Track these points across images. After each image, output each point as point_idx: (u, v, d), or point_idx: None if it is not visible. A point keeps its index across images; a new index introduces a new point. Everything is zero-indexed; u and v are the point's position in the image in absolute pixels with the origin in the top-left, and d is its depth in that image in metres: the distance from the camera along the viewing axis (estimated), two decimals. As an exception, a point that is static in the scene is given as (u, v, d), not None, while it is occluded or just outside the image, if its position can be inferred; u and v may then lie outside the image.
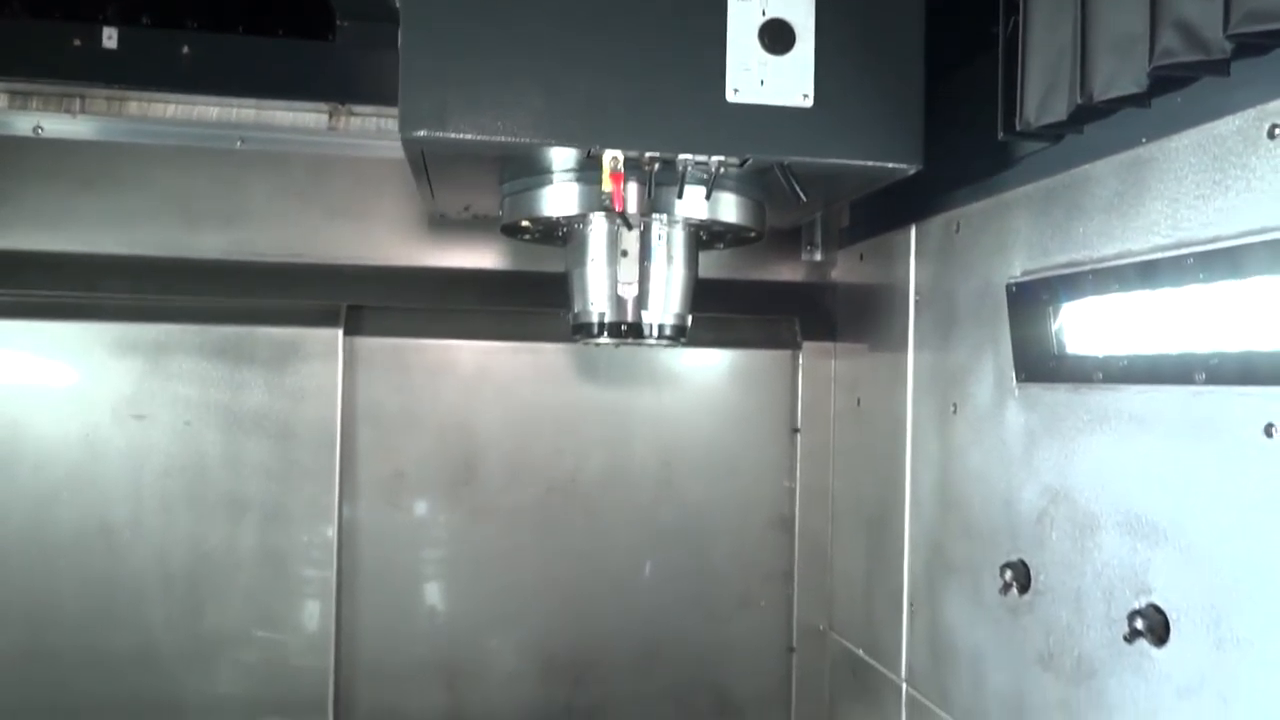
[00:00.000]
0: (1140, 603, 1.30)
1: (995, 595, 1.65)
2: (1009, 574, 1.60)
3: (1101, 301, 1.42)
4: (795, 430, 2.48)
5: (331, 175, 2.31)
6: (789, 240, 2.52)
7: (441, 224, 2.32)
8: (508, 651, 2.38)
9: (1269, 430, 1.12)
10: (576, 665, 2.40)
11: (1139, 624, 1.28)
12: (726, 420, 2.49)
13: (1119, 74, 1.27)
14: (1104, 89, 1.30)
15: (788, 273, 2.52)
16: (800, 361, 2.48)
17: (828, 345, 2.47)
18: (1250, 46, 1.12)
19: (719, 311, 2.34)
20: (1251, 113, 1.16)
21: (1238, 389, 1.16)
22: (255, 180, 2.30)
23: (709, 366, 2.51)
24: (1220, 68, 1.17)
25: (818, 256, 2.53)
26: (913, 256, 2.03)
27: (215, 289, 2.27)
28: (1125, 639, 1.30)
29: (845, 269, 2.43)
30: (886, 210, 2.13)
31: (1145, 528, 1.32)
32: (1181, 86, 1.26)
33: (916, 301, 2.01)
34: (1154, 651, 1.28)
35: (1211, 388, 1.20)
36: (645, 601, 2.43)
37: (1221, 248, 1.19)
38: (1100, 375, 1.41)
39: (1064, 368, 1.50)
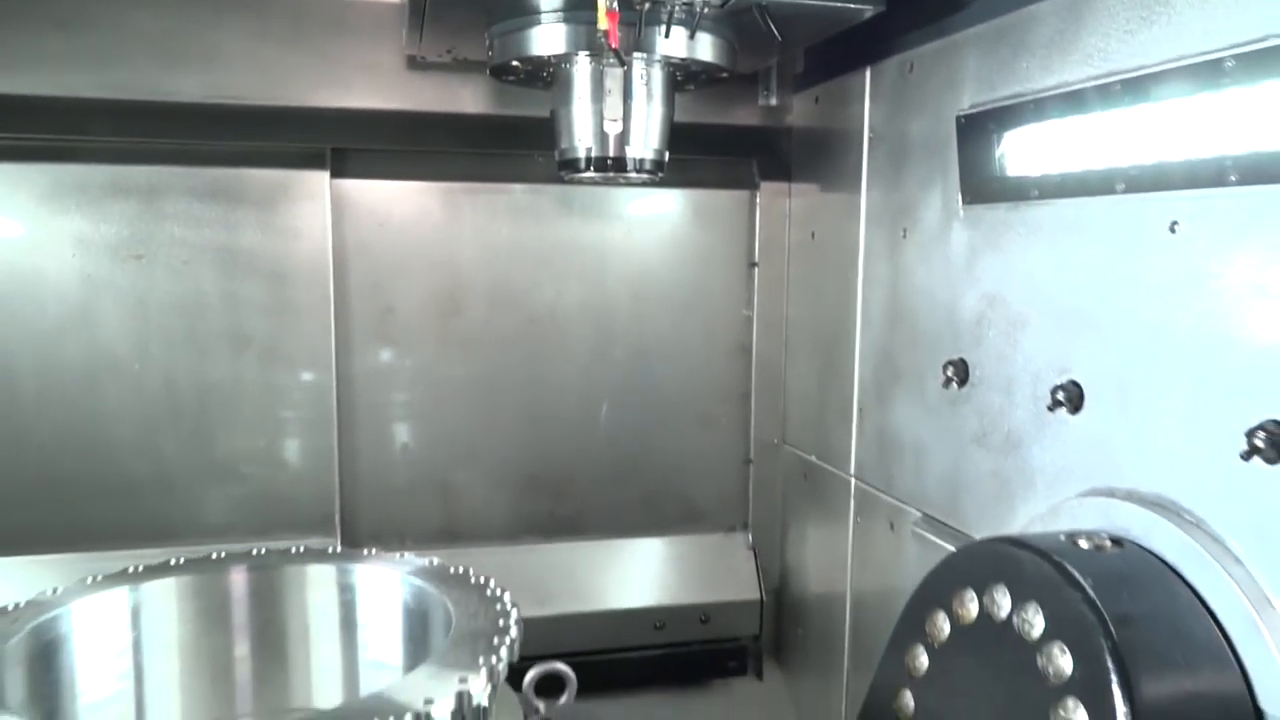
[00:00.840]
0: (1062, 379, 1.58)
1: (938, 391, 1.92)
2: (950, 370, 1.86)
3: (1040, 128, 1.64)
4: (753, 264, 2.70)
5: (311, 19, 2.36)
6: (747, 86, 2.67)
7: (421, 67, 2.41)
8: (495, 468, 2.62)
9: (1173, 227, 1.36)
10: (556, 479, 2.66)
11: (1060, 396, 1.56)
12: (690, 256, 2.69)
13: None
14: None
15: (746, 117, 2.68)
16: (758, 200, 2.68)
17: (783, 185, 2.67)
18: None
19: (683, 154, 2.48)
20: (1175, -44, 1.36)
21: (1150, 194, 1.40)
22: (233, 23, 2.34)
23: (673, 206, 2.69)
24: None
25: (773, 101, 2.69)
26: (867, 98, 2.21)
27: (198, 132, 2.34)
28: (1048, 409, 1.58)
29: (800, 113, 2.61)
30: (841, 55, 2.30)
31: (1069, 318, 1.58)
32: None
33: (870, 139, 2.21)
34: (1070, 418, 1.56)
35: (1129, 195, 1.44)
36: (617, 421, 2.68)
37: (1144, 74, 1.40)
38: (1036, 192, 1.64)
39: (1005, 188, 1.73)
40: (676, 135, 2.14)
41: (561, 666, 1.62)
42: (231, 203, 2.36)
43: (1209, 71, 1.30)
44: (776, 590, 2.76)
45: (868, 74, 2.20)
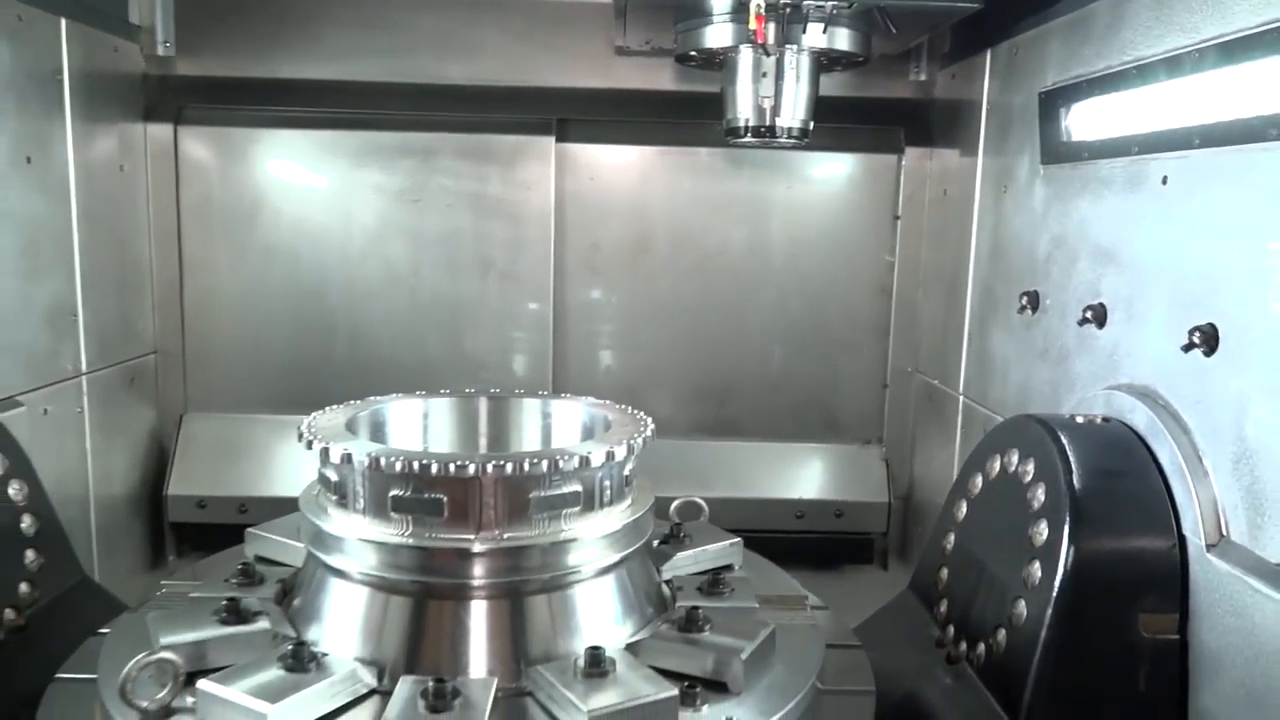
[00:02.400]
0: (1094, 301, 2.01)
1: (1017, 317, 2.36)
2: (1024, 299, 2.31)
3: (1090, 103, 2.06)
4: (896, 217, 3.17)
5: (543, 18, 3.05)
6: (900, 63, 3.13)
7: (625, 54, 3.05)
8: (673, 379, 3.25)
9: (1164, 180, 1.78)
10: (721, 389, 3.26)
11: (1088, 314, 2.00)
12: (841, 209, 3.20)
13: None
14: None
15: (895, 90, 3.14)
16: (903, 163, 3.14)
17: (925, 150, 3.11)
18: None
19: (840, 123, 3.01)
20: (1180, -30, 1.76)
21: (1150, 156, 1.82)
22: (487, 22, 3.07)
23: (829, 167, 3.20)
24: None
25: (922, 76, 3.13)
26: (987, 75, 2.64)
27: (460, 107, 3.10)
28: (1078, 324, 2.01)
29: (942, 87, 3.05)
30: (973, 37, 2.72)
31: (1101, 255, 2.00)
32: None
33: (987, 111, 2.64)
34: (1098, 332, 2.00)
35: (1138, 157, 1.85)
36: (773, 345, 3.25)
37: (1157, 60, 1.81)
38: (1086, 154, 2.06)
39: (1068, 151, 2.16)
40: (836, 106, 2.66)
41: (697, 498, 2.23)
42: (482, 161, 3.11)
43: (1194, 61, 1.70)
44: (904, 496, 3.24)
45: (989, 55, 2.63)
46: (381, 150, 3.12)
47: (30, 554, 1.96)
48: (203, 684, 1.39)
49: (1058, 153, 2.20)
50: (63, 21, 2.55)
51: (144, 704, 1.41)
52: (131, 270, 2.99)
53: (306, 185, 3.16)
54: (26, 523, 1.98)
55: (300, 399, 3.15)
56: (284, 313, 3.18)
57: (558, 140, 3.11)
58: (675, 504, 2.19)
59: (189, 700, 1.43)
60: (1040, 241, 2.28)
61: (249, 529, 2.00)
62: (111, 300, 2.83)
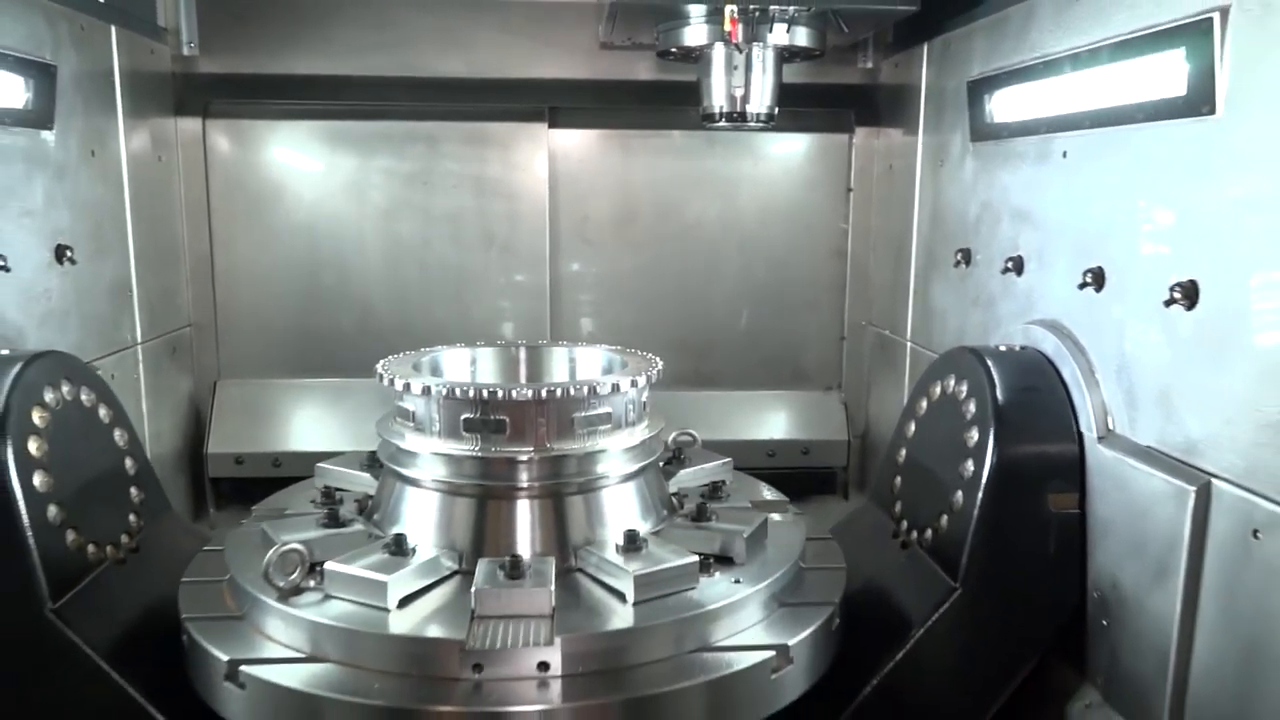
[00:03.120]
0: (1014, 254, 2.45)
1: (953, 271, 2.81)
2: (959, 255, 2.75)
3: (1006, 91, 2.49)
4: (849, 190, 3.60)
5: (536, 16, 3.41)
6: (849, 53, 3.54)
7: (610, 48, 3.41)
8: (656, 336, 3.64)
9: (1064, 154, 2.22)
10: (700, 344, 3.68)
11: (1009, 264, 2.44)
12: (802, 183, 3.63)
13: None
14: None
15: (847, 77, 3.56)
16: (854, 141, 3.57)
17: (874, 130, 3.54)
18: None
19: (798, 106, 3.42)
20: (1074, -16, 2.19)
21: (1054, 135, 2.26)
22: (484, 20, 3.43)
23: (790, 146, 3.62)
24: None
25: (869, 65, 3.55)
26: (924, 65, 3.07)
27: (462, 97, 3.45)
28: (1001, 273, 2.46)
29: (886, 74, 3.47)
30: (911, 32, 3.15)
31: (1018, 216, 2.45)
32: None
33: (925, 96, 3.07)
34: (1017, 279, 2.44)
35: (1045, 135, 2.29)
36: (744, 304, 3.67)
37: (1065, 54, 2.25)
38: (1006, 134, 2.50)
39: (991, 131, 2.59)
40: (794, 92, 3.07)
41: (691, 431, 2.64)
42: (482, 146, 3.48)
43: (1086, 57, 2.14)
44: (861, 435, 3.70)
45: (925, 48, 3.06)
46: (391, 138, 3.47)
47: (134, 490, 2.32)
48: (330, 564, 1.79)
49: (983, 132, 2.64)
50: (113, 29, 2.87)
51: (281, 584, 1.79)
52: (169, 251, 3.31)
53: (323, 171, 3.50)
54: (129, 464, 2.33)
55: (321, 363, 3.54)
56: (305, 286, 3.53)
57: (550, 126, 3.48)
58: (673, 435, 2.61)
59: (310, 582, 1.82)
60: (971, 207, 2.72)
61: (318, 464, 2.38)
62: (156, 278, 3.16)
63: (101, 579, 2.04)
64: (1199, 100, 1.75)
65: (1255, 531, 1.62)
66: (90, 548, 2.05)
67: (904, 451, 2.47)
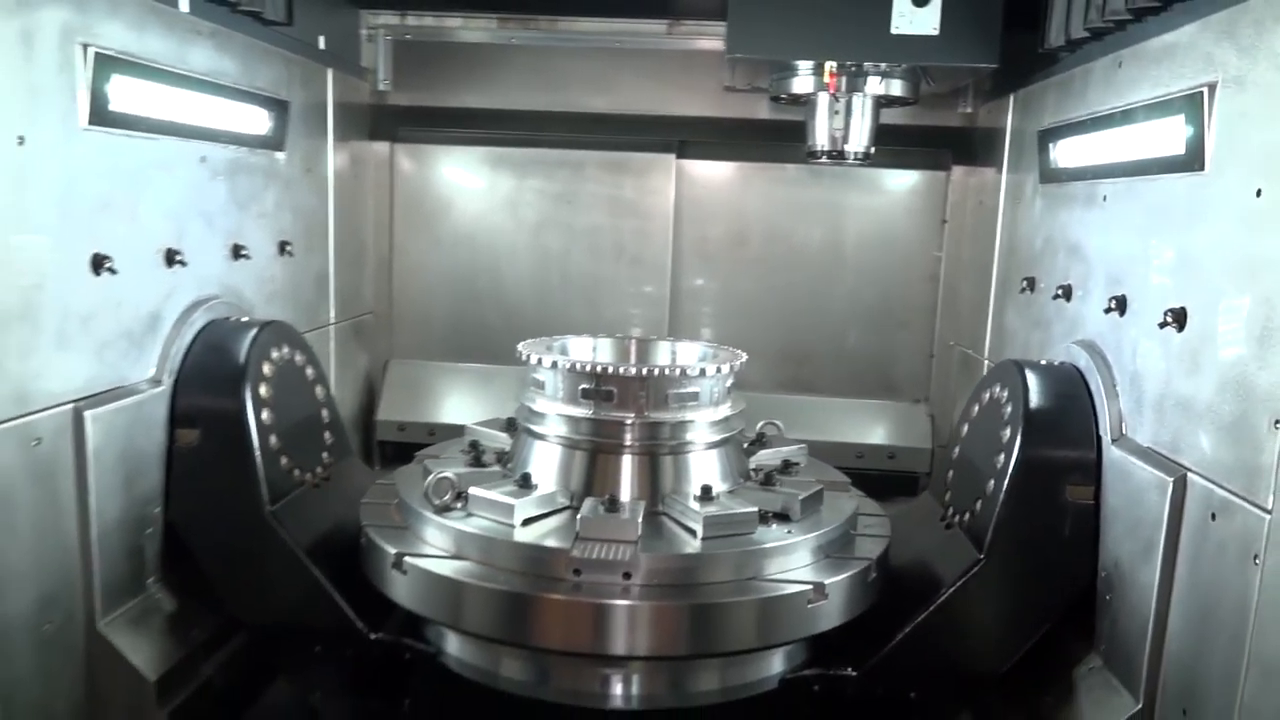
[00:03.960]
0: (1064, 281, 2.81)
1: (1021, 296, 3.16)
2: (1024, 283, 3.11)
3: (1069, 140, 2.86)
4: (944, 221, 3.98)
5: (670, 62, 3.96)
6: (950, 99, 3.93)
7: (733, 92, 3.92)
8: (762, 344, 4.09)
9: (1104, 198, 2.58)
10: (800, 355, 4.12)
11: (1059, 292, 2.80)
12: (901, 214, 4.03)
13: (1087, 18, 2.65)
14: (1076, 30, 2.69)
15: (946, 120, 3.94)
16: (950, 178, 3.95)
17: (968, 168, 3.91)
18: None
19: (902, 145, 3.83)
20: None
21: (1097, 181, 2.61)
22: (628, 65, 4.00)
23: (892, 181, 4.03)
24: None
25: (968, 109, 3.93)
26: (1010, 114, 3.43)
27: (605, 130, 4.03)
28: (1053, 298, 2.82)
29: (981, 119, 3.84)
30: (1000, 84, 3.52)
31: (1070, 250, 2.80)
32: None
33: (1010, 140, 3.44)
34: (1065, 304, 2.80)
35: (1090, 181, 2.65)
36: (843, 321, 4.09)
37: (1107, 113, 2.61)
38: (1065, 177, 2.87)
39: (1055, 174, 2.95)
40: (900, 132, 3.51)
41: (777, 421, 3.09)
42: (620, 172, 4.04)
43: (1124, 115, 2.50)
44: (944, 444, 4.04)
45: (1010, 98, 3.43)
46: (543, 163, 4.08)
47: (327, 435, 2.96)
48: (473, 490, 2.35)
49: (1049, 175, 3.01)
50: (329, 71, 3.58)
51: (436, 502, 2.36)
52: (358, 250, 4.01)
53: (485, 189, 4.15)
54: (325, 414, 2.98)
55: (473, 351, 4.17)
56: (464, 285, 4.17)
57: (678, 157, 4.02)
58: (760, 424, 3.07)
59: (458, 505, 2.38)
60: (1037, 240, 3.08)
61: (467, 425, 2.96)
62: (348, 272, 3.85)
63: (303, 496, 2.67)
64: (1192, 159, 2.11)
65: (1213, 514, 1.97)
66: (296, 472, 2.69)
67: (957, 450, 2.86)
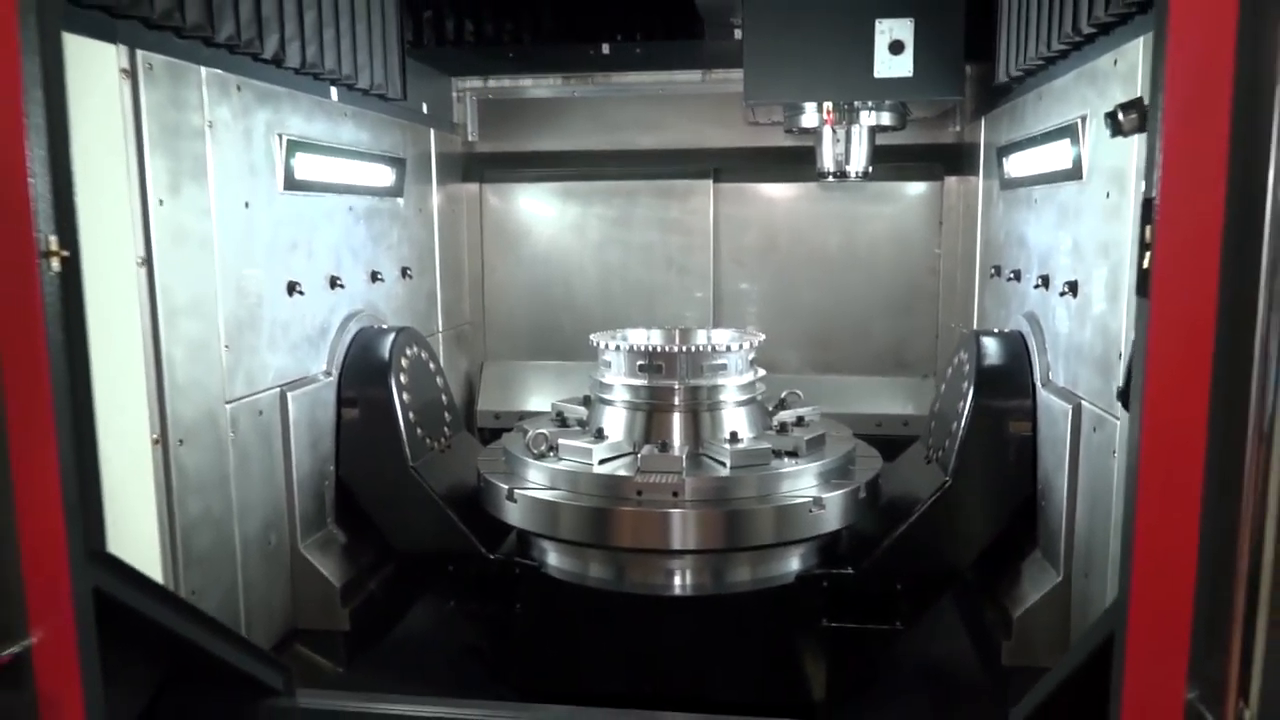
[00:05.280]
0: (1015, 268, 3.55)
1: (991, 280, 3.91)
2: (993, 269, 3.86)
3: (1015, 155, 3.61)
4: (940, 222, 4.73)
5: (705, 104, 4.80)
6: (942, 120, 4.68)
7: (754, 124, 4.73)
8: (793, 332, 4.90)
9: (1035, 200, 3.33)
10: (824, 340, 4.90)
11: (1012, 274, 3.55)
12: (903, 219, 4.79)
13: (1020, 61, 3.42)
14: (1014, 69, 3.45)
15: (941, 138, 4.69)
16: (944, 186, 4.70)
17: (959, 177, 4.66)
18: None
19: (900, 161, 4.60)
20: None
21: (1031, 187, 3.37)
22: (672, 108, 4.85)
23: (897, 191, 4.80)
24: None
25: (957, 128, 4.68)
26: (983, 130, 4.19)
27: (653, 162, 4.88)
28: (1007, 281, 3.57)
29: (966, 136, 4.60)
30: (978, 108, 4.28)
31: (1018, 242, 3.55)
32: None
33: (983, 154, 4.19)
34: (1016, 284, 3.54)
35: (1029, 187, 3.41)
36: (859, 310, 4.86)
37: (1035, 134, 3.36)
38: (1014, 184, 3.62)
39: (1009, 182, 3.70)
40: (901, 151, 4.29)
41: (798, 390, 3.87)
42: (667, 196, 4.89)
43: (1042, 136, 3.25)
44: (952, 411, 4.77)
45: (983, 120, 4.18)
46: (602, 193, 4.95)
47: (447, 414, 3.85)
48: (562, 440, 3.20)
49: (1005, 183, 3.76)
50: (431, 131, 4.50)
51: (534, 451, 3.22)
52: (457, 272, 4.92)
53: (556, 216, 5.03)
54: (444, 399, 3.87)
55: (552, 351, 5.05)
56: (542, 297, 5.06)
57: (715, 182, 4.85)
58: (785, 392, 3.87)
59: (550, 453, 3.23)
60: (1000, 235, 3.84)
61: (553, 402, 3.81)
62: (450, 290, 4.76)
63: (434, 457, 3.56)
64: (1075, 171, 2.87)
65: (1094, 428, 2.72)
66: (427, 440, 3.58)
67: (937, 404, 3.63)
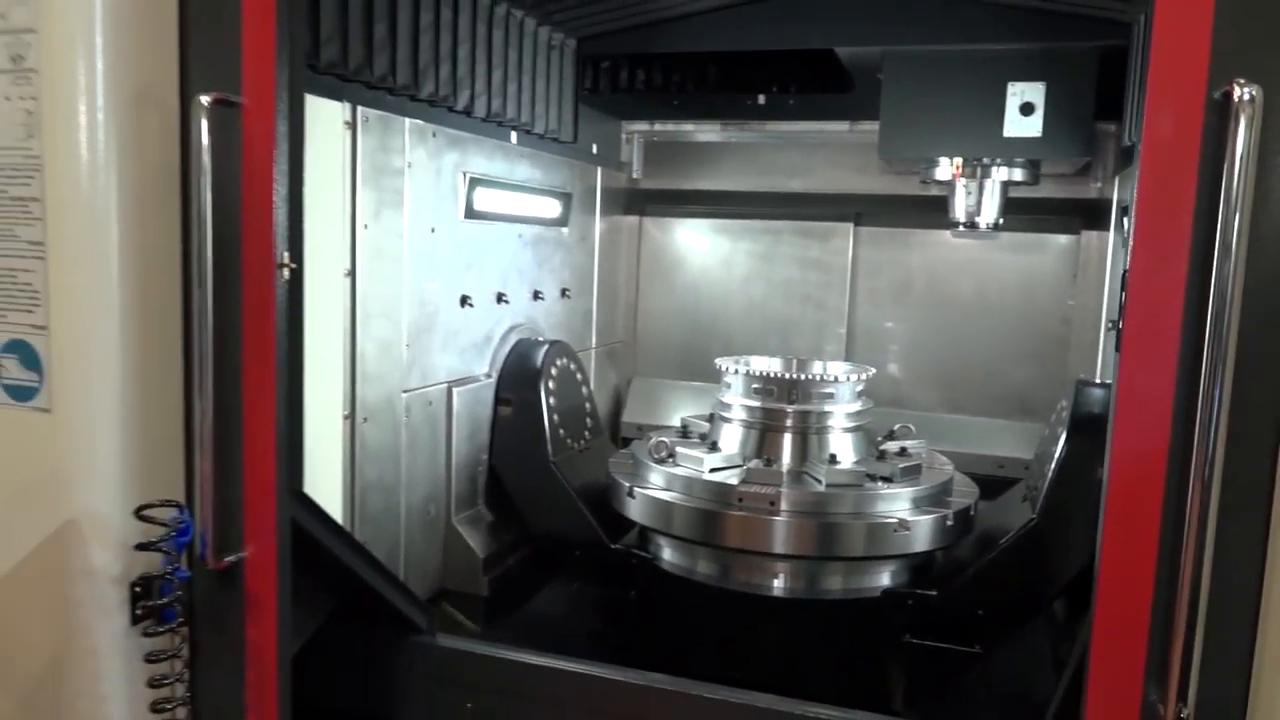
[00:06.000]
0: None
1: (1110, 333, 4.05)
2: (1110, 323, 4.01)
3: (1135, 216, 3.77)
4: (1074, 274, 4.87)
5: (848, 152, 5.14)
6: (1084, 176, 4.83)
7: (892, 171, 5.02)
8: (922, 372, 5.13)
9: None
10: (952, 378, 5.10)
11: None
12: (1038, 269, 4.95)
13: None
14: (1134, 135, 3.64)
15: (1080, 192, 4.84)
16: (1081, 240, 4.84)
17: (1099, 232, 4.79)
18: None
19: (1038, 214, 4.78)
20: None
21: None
22: (816, 156, 5.22)
23: (1034, 242, 4.96)
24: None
25: (1098, 184, 4.81)
26: (1116, 187, 4.33)
27: (796, 205, 5.25)
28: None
29: (1107, 190, 4.72)
30: (1116, 167, 4.42)
31: (1132, 298, 3.71)
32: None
33: (1115, 211, 4.33)
34: (1128, 339, 3.70)
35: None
36: (988, 353, 5.04)
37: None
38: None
39: (1128, 238, 3.86)
40: (1035, 204, 4.50)
41: (910, 425, 4.14)
42: (808, 236, 5.26)
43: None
44: (1076, 459, 4.87)
45: (1117, 179, 4.33)
46: (750, 230, 5.37)
47: (588, 420, 4.36)
48: (680, 448, 3.63)
49: (1125, 240, 3.91)
50: (598, 169, 5.06)
51: (656, 456, 3.67)
52: (613, 295, 5.45)
53: (708, 250, 5.49)
54: (588, 407, 4.39)
55: (696, 372, 5.50)
56: (690, 322, 5.52)
57: (855, 225, 5.17)
58: (897, 425, 4.15)
59: (670, 459, 3.67)
60: (1117, 288, 3.98)
61: (682, 416, 4.25)
62: (605, 311, 5.29)
63: (572, 455, 4.07)
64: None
65: (1167, 476, 2.90)
66: (569, 440, 4.10)
67: (1040, 448, 3.83)
